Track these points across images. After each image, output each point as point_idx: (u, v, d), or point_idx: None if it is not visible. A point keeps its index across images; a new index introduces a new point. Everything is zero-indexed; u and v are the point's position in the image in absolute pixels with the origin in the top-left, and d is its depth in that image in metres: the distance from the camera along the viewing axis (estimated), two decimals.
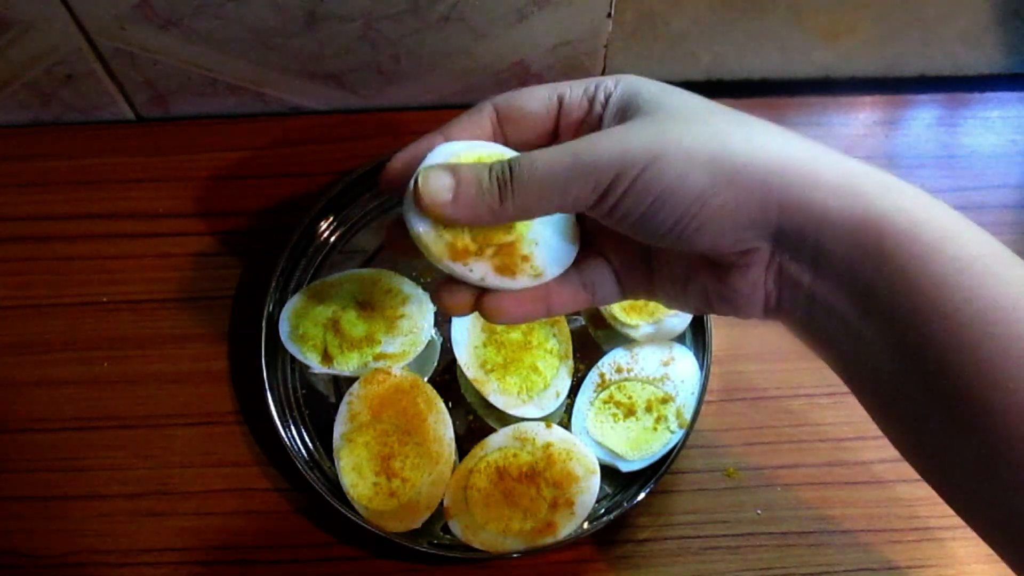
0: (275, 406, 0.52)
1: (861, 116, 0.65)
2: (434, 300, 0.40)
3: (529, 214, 0.35)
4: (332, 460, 0.51)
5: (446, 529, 0.50)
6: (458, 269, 0.35)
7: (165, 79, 0.61)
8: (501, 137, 0.39)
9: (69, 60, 0.58)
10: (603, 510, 0.52)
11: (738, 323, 0.57)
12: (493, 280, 0.36)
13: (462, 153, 0.36)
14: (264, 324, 0.54)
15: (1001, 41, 0.64)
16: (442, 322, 0.56)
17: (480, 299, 0.37)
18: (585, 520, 0.50)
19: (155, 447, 0.54)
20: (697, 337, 0.56)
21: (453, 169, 0.35)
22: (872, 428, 0.55)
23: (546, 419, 0.52)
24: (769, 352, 0.57)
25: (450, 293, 0.37)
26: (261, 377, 0.53)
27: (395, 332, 0.53)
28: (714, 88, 0.67)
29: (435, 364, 0.56)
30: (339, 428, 0.51)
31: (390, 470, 0.50)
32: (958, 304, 0.30)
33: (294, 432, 0.53)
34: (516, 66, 0.62)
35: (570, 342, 0.54)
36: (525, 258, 0.36)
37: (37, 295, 0.58)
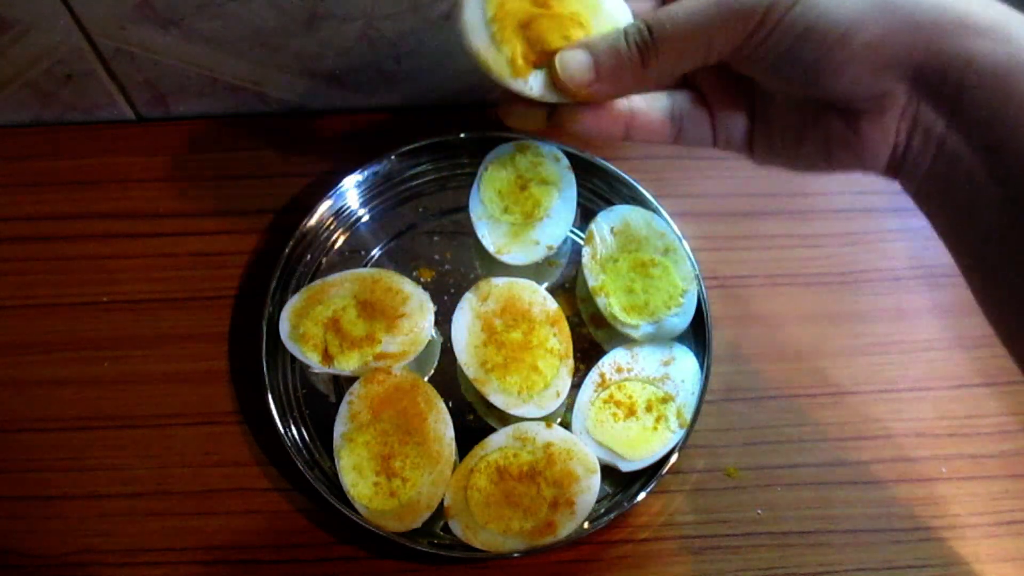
0: (275, 406, 0.52)
1: None
2: (504, 118, 0.39)
3: (676, 68, 0.34)
4: (332, 460, 0.51)
5: (446, 529, 0.50)
6: (518, 85, 0.35)
7: (165, 79, 0.61)
8: None
9: (69, 60, 0.58)
10: (603, 510, 0.52)
11: (739, 323, 0.58)
12: (550, 95, 0.35)
13: None
14: (264, 324, 0.54)
15: None
16: (442, 322, 0.56)
17: (558, 110, 0.36)
18: (585, 520, 0.50)
19: (155, 447, 0.54)
20: (697, 337, 0.56)
21: (588, 45, 0.34)
22: (872, 428, 0.56)
23: (546, 419, 0.52)
24: (769, 352, 0.57)
25: (522, 110, 0.37)
26: (261, 377, 0.53)
27: (395, 332, 0.53)
28: None
29: (435, 364, 0.56)
30: (339, 428, 0.51)
31: (390, 470, 0.49)
32: None
33: (294, 432, 0.53)
34: None
35: (570, 342, 0.54)
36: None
37: (37, 295, 0.58)
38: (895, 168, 0.35)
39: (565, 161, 0.58)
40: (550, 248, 0.56)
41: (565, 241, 0.58)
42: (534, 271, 0.57)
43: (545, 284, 0.57)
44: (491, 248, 0.56)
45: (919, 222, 0.60)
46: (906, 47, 0.31)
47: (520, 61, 0.35)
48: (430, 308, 0.54)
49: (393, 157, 0.60)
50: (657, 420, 0.52)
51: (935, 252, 0.59)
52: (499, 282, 0.55)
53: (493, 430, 0.52)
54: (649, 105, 0.36)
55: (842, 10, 0.31)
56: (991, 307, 0.34)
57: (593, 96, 0.34)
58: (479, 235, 0.56)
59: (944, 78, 0.31)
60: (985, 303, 0.34)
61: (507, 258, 0.56)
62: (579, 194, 0.58)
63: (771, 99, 0.37)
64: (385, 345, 0.52)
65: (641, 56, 0.33)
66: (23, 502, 0.52)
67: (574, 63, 0.34)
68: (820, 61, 0.32)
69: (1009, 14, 0.32)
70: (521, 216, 0.56)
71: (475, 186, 0.57)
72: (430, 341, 0.54)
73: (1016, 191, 0.31)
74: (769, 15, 0.32)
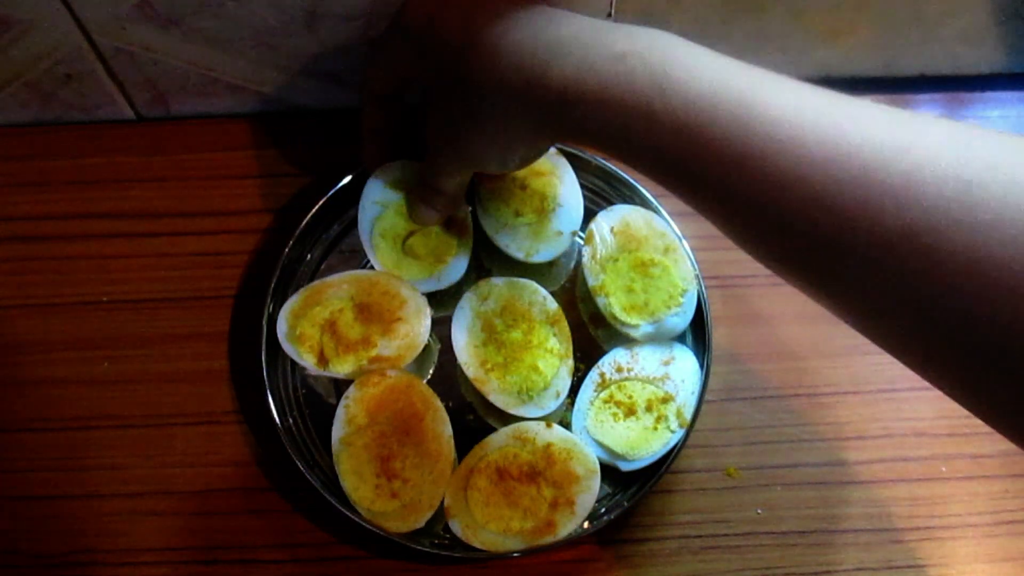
0: (275, 405, 0.52)
1: None
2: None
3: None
4: (332, 460, 0.51)
5: (446, 529, 0.50)
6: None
7: (165, 78, 0.61)
8: None
9: (69, 60, 0.58)
10: (603, 510, 0.52)
11: (739, 323, 0.58)
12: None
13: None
14: (264, 324, 0.54)
15: (1001, 40, 0.64)
16: (441, 324, 0.56)
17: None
18: (585, 520, 0.50)
19: (155, 447, 0.54)
20: (697, 337, 0.56)
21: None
22: (872, 428, 0.56)
23: (546, 419, 0.52)
24: (769, 352, 0.57)
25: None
26: (261, 376, 0.53)
27: (391, 336, 0.53)
28: None
29: (433, 366, 0.56)
30: (337, 432, 0.51)
31: (390, 471, 0.49)
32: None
33: (294, 431, 0.53)
34: None
35: (570, 342, 0.54)
36: None
37: (37, 295, 0.58)
38: None
39: (551, 148, 0.58)
40: (575, 233, 0.56)
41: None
42: (534, 271, 0.57)
43: (545, 284, 0.57)
44: (520, 255, 0.56)
45: None
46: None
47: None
48: (427, 313, 0.54)
49: (388, 168, 0.60)
50: (657, 420, 0.52)
51: None
52: (499, 282, 0.55)
53: (493, 430, 0.52)
54: None
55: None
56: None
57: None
58: (502, 247, 0.56)
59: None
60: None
61: (538, 257, 0.56)
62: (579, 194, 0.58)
63: None
64: (381, 349, 0.52)
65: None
66: (23, 502, 0.52)
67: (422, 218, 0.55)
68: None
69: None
70: (534, 215, 0.56)
71: (477, 204, 0.57)
72: (427, 346, 0.54)
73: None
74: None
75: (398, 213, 0.56)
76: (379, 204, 0.56)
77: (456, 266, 0.56)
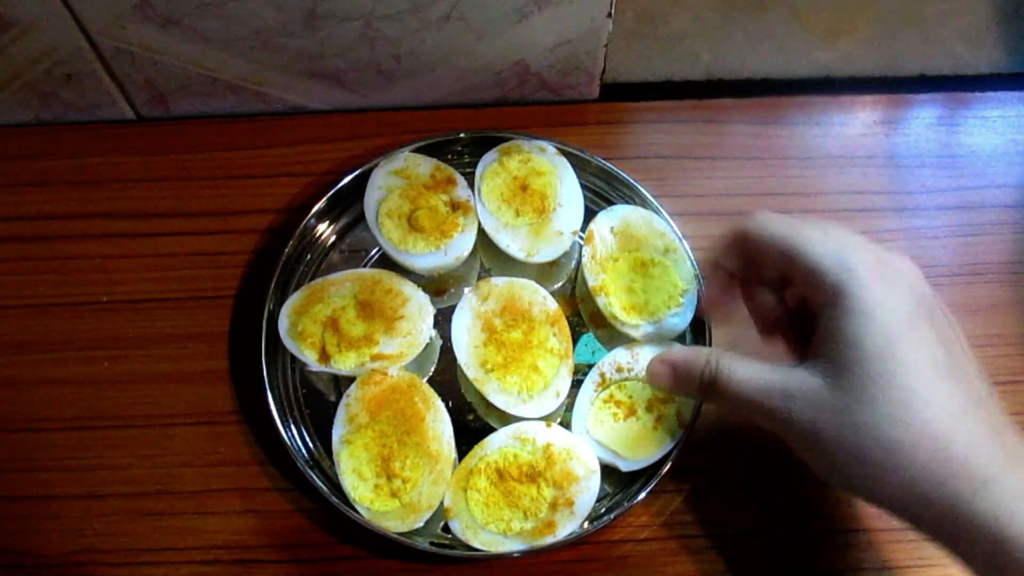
0: (275, 405, 0.52)
1: (861, 116, 0.65)
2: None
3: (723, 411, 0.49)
4: (332, 460, 0.51)
5: (447, 529, 0.50)
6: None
7: (165, 78, 0.61)
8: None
9: (69, 60, 0.58)
10: (603, 510, 0.52)
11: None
12: None
13: None
14: (264, 323, 0.54)
15: (1001, 40, 0.64)
16: (442, 323, 0.56)
17: None
18: (585, 520, 0.50)
19: (155, 447, 0.54)
20: (697, 337, 0.56)
21: (672, 363, 0.47)
22: None
23: (546, 419, 0.52)
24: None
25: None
26: (261, 376, 0.53)
27: (394, 333, 0.53)
28: (714, 88, 0.67)
29: (434, 364, 0.56)
30: (338, 431, 0.51)
31: (391, 471, 0.49)
32: None
33: (294, 431, 0.53)
34: (516, 66, 0.62)
35: (570, 342, 0.54)
36: None
37: (37, 295, 0.58)
38: None
39: (551, 149, 0.58)
40: (575, 233, 0.56)
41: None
42: (534, 271, 0.57)
43: (545, 284, 0.57)
44: (520, 255, 0.56)
45: (919, 222, 0.61)
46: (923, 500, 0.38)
47: None
48: (429, 311, 0.54)
49: (393, 157, 0.60)
50: (657, 420, 0.52)
51: (935, 252, 0.59)
52: (499, 282, 0.55)
53: (493, 430, 0.52)
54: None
55: (862, 473, 0.38)
56: None
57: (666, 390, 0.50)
58: (503, 247, 0.56)
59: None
60: None
61: (538, 257, 0.56)
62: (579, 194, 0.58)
63: None
64: (383, 346, 0.52)
65: (704, 391, 0.44)
66: (23, 502, 0.52)
67: (656, 377, 0.48)
68: (857, 476, 0.39)
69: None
70: (534, 214, 0.56)
71: (478, 203, 0.57)
72: (428, 343, 0.54)
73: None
74: (792, 438, 0.41)
75: (402, 196, 0.56)
76: (383, 188, 0.57)
77: (462, 241, 0.56)
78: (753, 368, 0.42)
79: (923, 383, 0.38)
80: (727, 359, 0.43)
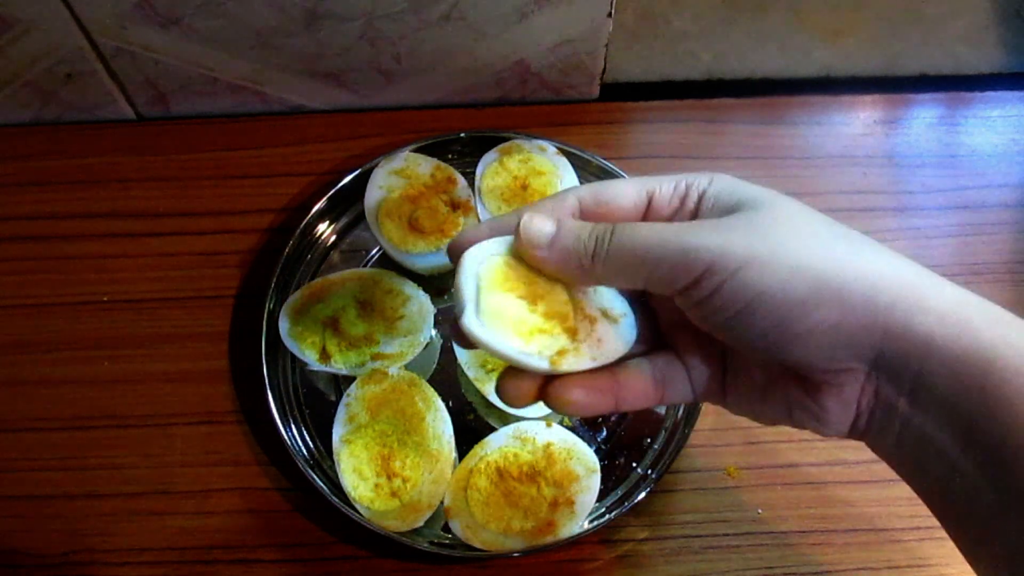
0: (275, 405, 0.52)
1: (862, 115, 0.65)
2: (497, 392, 0.38)
3: (614, 280, 0.35)
4: (332, 459, 0.51)
5: (447, 528, 0.50)
6: (520, 348, 0.34)
7: (166, 78, 0.61)
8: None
9: (70, 59, 0.58)
10: (603, 509, 0.52)
11: None
12: (557, 362, 0.35)
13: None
14: (265, 323, 0.54)
15: (1002, 40, 0.64)
16: (442, 323, 0.56)
17: (546, 387, 0.36)
18: (585, 519, 0.50)
19: (155, 446, 0.54)
20: None
21: (558, 221, 0.35)
22: None
23: (546, 418, 0.52)
24: None
25: (514, 382, 0.36)
26: (261, 376, 0.53)
27: (394, 333, 0.53)
28: (714, 87, 0.67)
29: (435, 364, 0.56)
30: (338, 430, 0.51)
31: (391, 470, 0.49)
32: None
33: (294, 431, 0.53)
34: (516, 65, 0.62)
35: None
36: (588, 325, 0.35)
37: (38, 294, 0.58)
38: (859, 436, 0.35)
39: (552, 148, 0.58)
40: None
41: None
42: None
43: None
44: None
45: (919, 222, 0.61)
46: (863, 329, 0.31)
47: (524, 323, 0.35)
48: (430, 311, 0.54)
49: (393, 157, 0.60)
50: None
51: (935, 252, 0.59)
52: None
53: (493, 430, 0.52)
54: (631, 375, 0.37)
55: (793, 287, 0.31)
56: (975, 561, 0.34)
57: (538, 262, 0.36)
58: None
59: (905, 363, 0.31)
60: (967, 554, 0.34)
61: None
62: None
63: (737, 357, 0.37)
64: (383, 346, 0.52)
65: (594, 250, 0.34)
66: (23, 502, 0.52)
67: (539, 226, 0.35)
68: (774, 330, 0.32)
69: (964, 298, 0.32)
70: None
71: (479, 203, 0.57)
72: (429, 342, 0.54)
73: (998, 480, 0.30)
74: (711, 273, 0.32)
75: (402, 195, 0.57)
76: (383, 188, 0.57)
77: None
78: (658, 226, 0.34)
79: (825, 225, 0.34)
80: (624, 223, 0.35)
